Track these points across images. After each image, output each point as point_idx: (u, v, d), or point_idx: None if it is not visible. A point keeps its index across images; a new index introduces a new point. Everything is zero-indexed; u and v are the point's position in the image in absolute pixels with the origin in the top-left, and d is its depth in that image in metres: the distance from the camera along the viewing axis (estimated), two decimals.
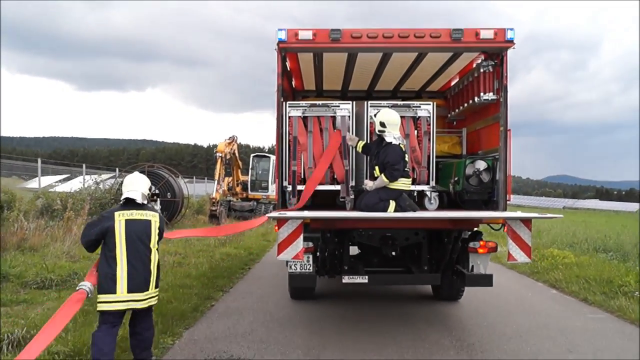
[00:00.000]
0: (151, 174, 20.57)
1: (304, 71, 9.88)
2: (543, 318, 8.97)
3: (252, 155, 33.32)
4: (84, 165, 30.28)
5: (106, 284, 5.77)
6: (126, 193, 6.18)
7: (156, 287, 6.05)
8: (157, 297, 6.12)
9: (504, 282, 12.18)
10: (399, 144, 7.64)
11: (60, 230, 14.86)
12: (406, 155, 7.71)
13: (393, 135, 7.64)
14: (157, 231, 6.11)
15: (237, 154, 28.73)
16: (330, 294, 10.38)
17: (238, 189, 31.44)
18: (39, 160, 25.04)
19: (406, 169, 7.68)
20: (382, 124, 7.68)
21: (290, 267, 7.84)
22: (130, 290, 5.79)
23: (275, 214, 6.96)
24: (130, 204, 6.12)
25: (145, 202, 6.25)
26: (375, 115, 7.88)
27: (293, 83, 10.70)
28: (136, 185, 6.28)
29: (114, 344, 5.78)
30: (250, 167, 32.54)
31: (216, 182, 25.47)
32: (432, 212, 7.92)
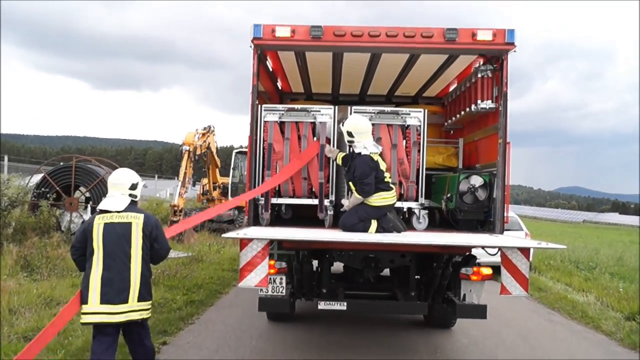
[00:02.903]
0: (80, 171, 16.15)
1: (288, 72, 9.14)
2: None
3: (234, 152, 25.55)
4: (5, 158, 24.07)
5: (84, 294, 5.20)
6: (102, 202, 5.58)
7: (142, 299, 5.30)
8: (143, 312, 5.35)
9: None
10: (370, 153, 6.84)
11: None
12: (381, 165, 6.90)
13: (363, 145, 6.86)
14: (142, 234, 5.35)
15: (214, 150, 22.38)
16: (309, 315, 9.49)
17: (215, 194, 25.01)
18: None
19: (386, 180, 6.89)
20: (350, 134, 6.91)
21: (261, 289, 7.00)
22: (102, 301, 5.13)
23: (232, 233, 6.15)
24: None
25: (128, 202, 5.51)
26: (342, 124, 7.11)
27: (279, 85, 9.95)
28: (111, 187, 5.65)
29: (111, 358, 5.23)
30: (232, 166, 24.98)
31: (180, 183, 18.94)
32: (417, 236, 7.04)
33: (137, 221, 5.36)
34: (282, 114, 7.50)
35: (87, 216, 14.40)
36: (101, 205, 5.49)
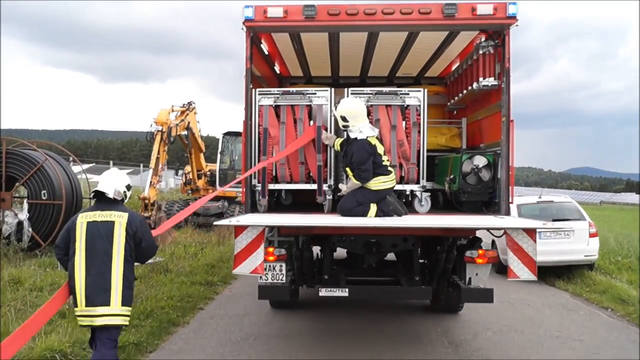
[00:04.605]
0: (13, 158, 12.95)
1: (284, 55, 8.93)
2: None
3: (222, 133, 21.99)
4: None
5: (73, 296, 5.07)
6: (97, 186, 5.36)
7: (126, 304, 5.10)
8: (126, 318, 5.15)
9: None
10: (367, 137, 6.60)
11: None
12: (379, 148, 6.67)
13: (359, 129, 6.63)
14: (125, 234, 5.13)
15: (196, 131, 18.57)
16: (315, 302, 9.22)
17: (201, 183, 21.19)
18: None
19: (384, 164, 6.66)
20: (344, 118, 6.68)
21: (261, 276, 6.82)
22: (88, 303, 4.98)
23: (226, 221, 6.00)
24: (100, 202, 5.29)
25: (118, 198, 5.33)
26: (336, 109, 6.90)
27: (277, 69, 9.72)
28: (108, 179, 5.42)
29: None
30: (220, 149, 21.54)
31: (151, 172, 15.11)
32: (418, 219, 6.86)
33: (120, 220, 5.17)
34: (277, 97, 7.31)
35: (23, 215, 12.48)
36: (97, 187, 5.32)
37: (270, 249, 6.54)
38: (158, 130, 15.14)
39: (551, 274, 12.13)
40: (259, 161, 7.24)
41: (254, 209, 7.29)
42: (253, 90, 7.24)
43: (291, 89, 7.62)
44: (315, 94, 7.31)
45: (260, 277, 6.69)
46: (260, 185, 7.22)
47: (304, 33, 7.61)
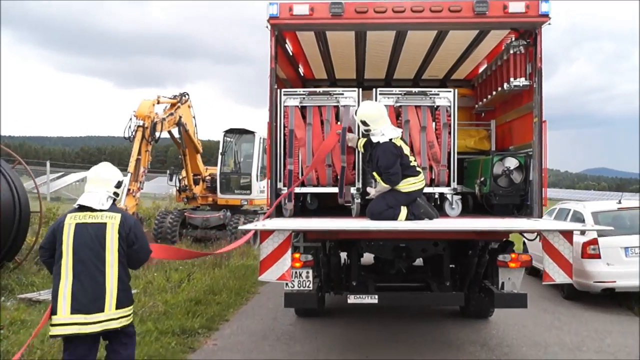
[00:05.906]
0: None
1: (309, 56, 8.78)
2: None
3: (223, 131, 18.68)
4: None
5: (53, 303, 4.69)
6: (81, 197, 4.97)
7: (121, 306, 4.78)
8: (123, 319, 4.80)
9: None
10: (391, 139, 6.42)
11: None
12: (404, 149, 6.50)
13: (381, 132, 6.45)
14: (117, 236, 4.81)
15: (191, 129, 15.55)
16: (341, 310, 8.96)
17: (198, 189, 17.95)
18: None
19: (412, 165, 6.50)
20: (364, 122, 6.51)
21: (287, 283, 6.64)
22: (73, 311, 4.61)
23: (250, 225, 5.84)
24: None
25: (110, 202, 4.96)
26: (356, 114, 6.72)
27: (301, 70, 9.62)
28: (96, 182, 5.03)
29: None
30: (221, 150, 18.34)
31: (129, 176, 12.28)
32: (450, 222, 6.68)
33: (112, 222, 4.84)
34: (303, 98, 7.17)
35: None
36: (80, 200, 4.94)
37: (297, 255, 6.38)
38: (139, 126, 12.55)
39: (638, 301, 9.61)
40: (284, 164, 7.11)
41: (279, 213, 7.12)
42: (278, 90, 7.10)
43: (318, 89, 7.47)
44: (342, 94, 7.17)
45: (287, 284, 6.52)
46: (286, 188, 7.06)
47: (330, 32, 7.45)
